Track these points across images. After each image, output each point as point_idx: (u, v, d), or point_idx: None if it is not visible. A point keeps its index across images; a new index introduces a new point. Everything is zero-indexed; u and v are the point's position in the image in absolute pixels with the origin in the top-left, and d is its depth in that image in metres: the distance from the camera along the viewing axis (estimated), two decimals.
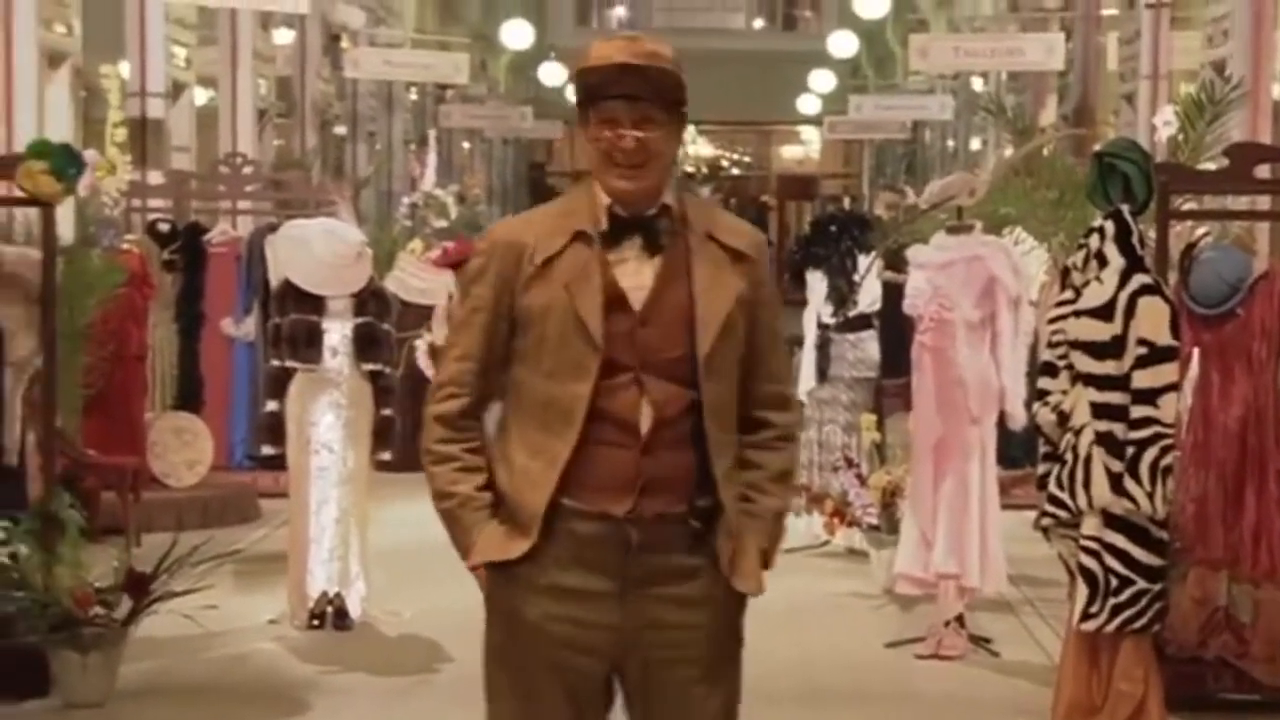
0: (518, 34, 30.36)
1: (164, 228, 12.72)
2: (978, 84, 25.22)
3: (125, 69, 15.05)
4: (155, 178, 14.32)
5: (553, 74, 33.50)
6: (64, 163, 7.14)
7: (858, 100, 28.74)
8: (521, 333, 3.70)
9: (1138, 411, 6.27)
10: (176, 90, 17.26)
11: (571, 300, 3.64)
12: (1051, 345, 6.56)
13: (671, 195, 3.73)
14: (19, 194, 7.24)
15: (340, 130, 24.79)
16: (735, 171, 45.14)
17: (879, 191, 22.57)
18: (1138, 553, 6.34)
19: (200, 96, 18.67)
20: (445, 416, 3.75)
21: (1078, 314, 6.43)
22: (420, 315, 11.95)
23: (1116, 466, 6.28)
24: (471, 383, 3.75)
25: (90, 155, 7.66)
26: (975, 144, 26.64)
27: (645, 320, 3.66)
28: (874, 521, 9.21)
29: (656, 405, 3.65)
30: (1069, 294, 6.54)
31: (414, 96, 28.27)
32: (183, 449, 11.54)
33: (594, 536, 3.66)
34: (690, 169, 43.48)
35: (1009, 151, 12.57)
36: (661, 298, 3.68)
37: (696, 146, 44.11)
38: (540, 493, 3.64)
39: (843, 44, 32.40)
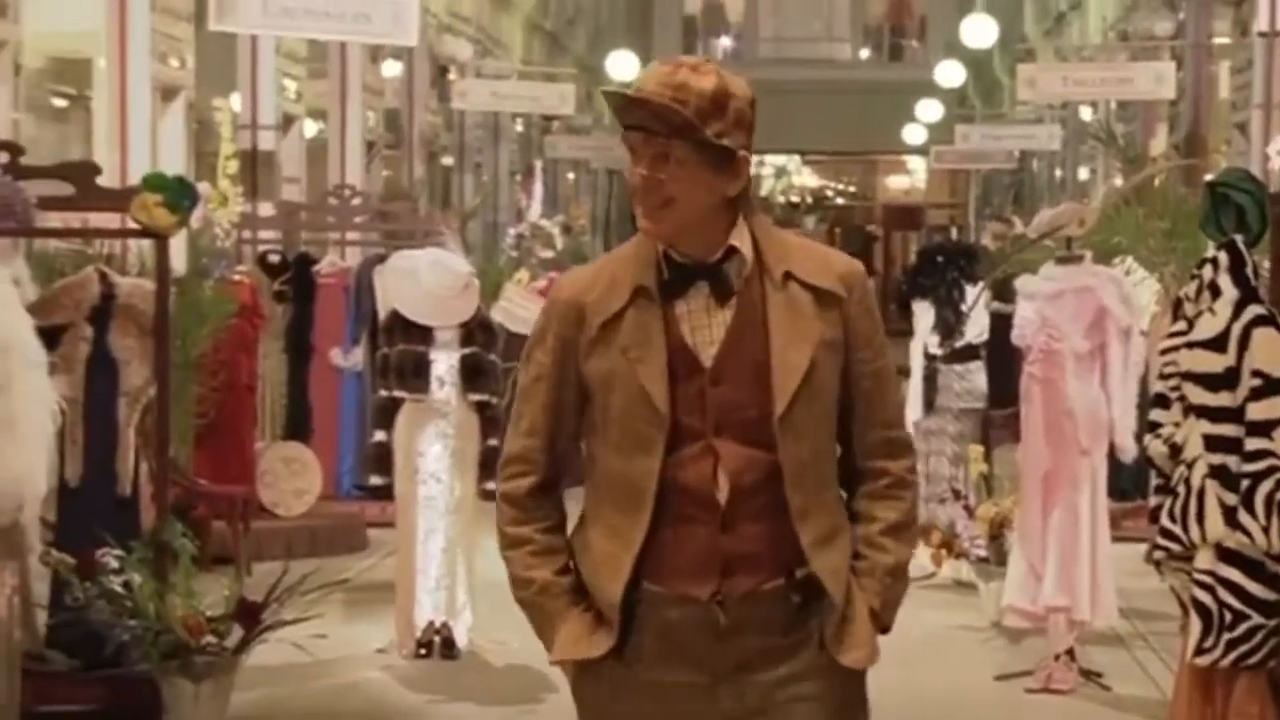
0: (623, 65, 30.44)
1: (274, 259, 12.84)
2: (1086, 113, 25.04)
3: (237, 102, 15.22)
4: (266, 209, 14.46)
5: None
6: (178, 195, 7.22)
7: (964, 130, 28.62)
8: (589, 403, 3.38)
9: (1252, 444, 6.19)
10: (287, 123, 17.45)
11: (633, 366, 3.31)
12: (1163, 377, 6.48)
13: (742, 235, 3.34)
14: (134, 226, 7.32)
15: (447, 161, 24.97)
16: (840, 201, 45.03)
17: (986, 221, 22.47)
18: (1253, 587, 6.25)
19: (310, 129, 18.86)
20: (514, 496, 3.44)
21: (1190, 345, 6.35)
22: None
23: (1231, 500, 6.20)
24: (539, 459, 3.43)
25: (203, 188, 7.76)
26: (1083, 173, 26.46)
27: (717, 379, 3.32)
28: (982, 553, 9.14)
29: (733, 474, 3.31)
30: (1181, 325, 6.46)
31: (520, 128, 28.42)
32: (291, 478, 11.62)
33: (679, 623, 3.33)
34: (795, 199, 43.45)
35: (1118, 181, 12.48)
36: (734, 352, 3.32)
37: (802, 176, 44.09)
38: (617, 580, 3.33)
39: (949, 74, 32.28)
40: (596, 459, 3.40)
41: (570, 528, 3.48)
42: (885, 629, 3.42)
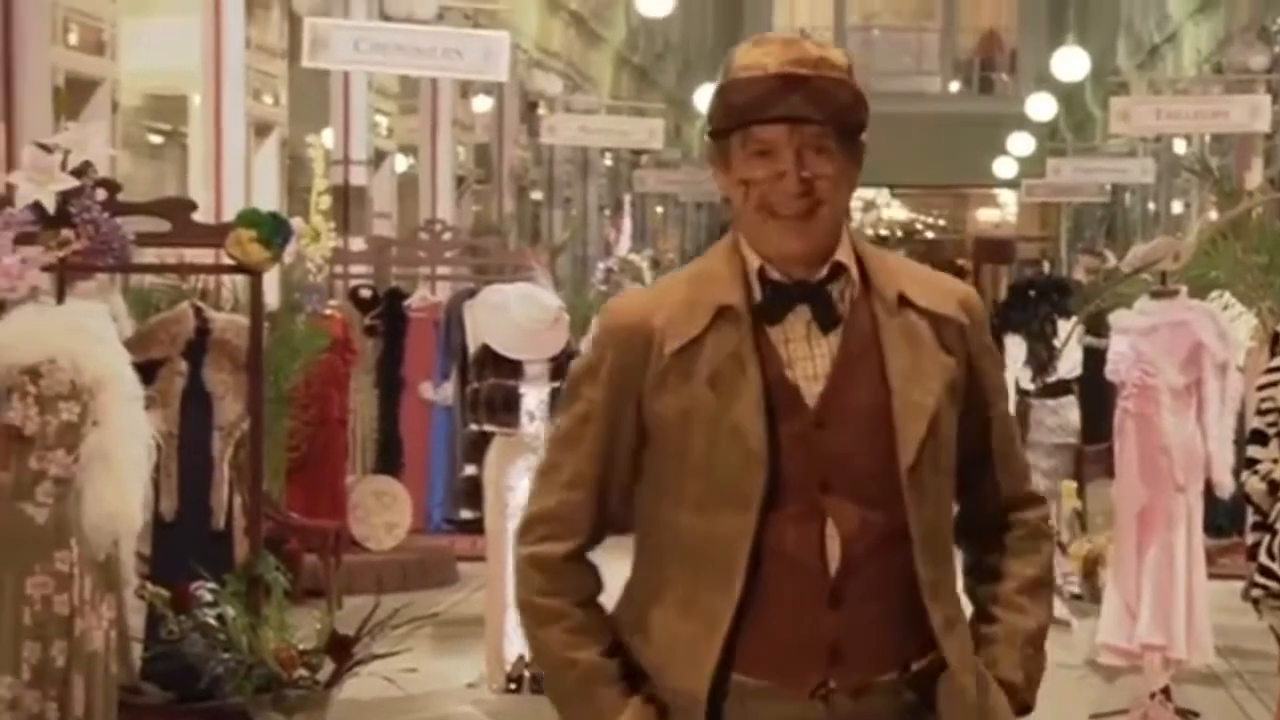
0: None
1: (365, 294, 12.92)
2: (1180, 146, 24.84)
3: (329, 137, 15.35)
4: (357, 244, 14.56)
5: None
6: (272, 231, 7.26)
7: (1056, 163, 28.45)
8: (654, 449, 2.77)
9: None
10: (378, 158, 17.58)
11: (721, 401, 2.71)
12: (1261, 413, 6.41)
13: (847, 250, 2.79)
14: (228, 262, 7.38)
15: (537, 196, 25.07)
16: (930, 235, 44.86)
17: (1078, 255, 22.30)
18: None
19: (401, 164, 18.98)
20: (547, 562, 2.80)
21: None
22: None
23: None
24: (581, 518, 2.81)
25: (296, 223, 7.80)
26: (1177, 207, 26.24)
27: (823, 421, 2.74)
28: (1076, 591, 9.05)
29: (847, 539, 2.71)
30: (1279, 361, 6.40)
31: (609, 162, 28.50)
32: (382, 512, 11.67)
33: None
34: (884, 232, 43.33)
35: (1213, 215, 12.35)
36: (844, 389, 2.75)
37: (891, 210, 43.97)
38: (700, 668, 2.71)
39: (1040, 107, 32.13)
40: (663, 518, 2.76)
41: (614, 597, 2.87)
42: (1027, 709, 2.86)
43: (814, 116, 2.71)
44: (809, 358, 2.77)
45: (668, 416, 2.74)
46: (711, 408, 2.72)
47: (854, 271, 2.79)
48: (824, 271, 2.77)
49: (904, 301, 2.78)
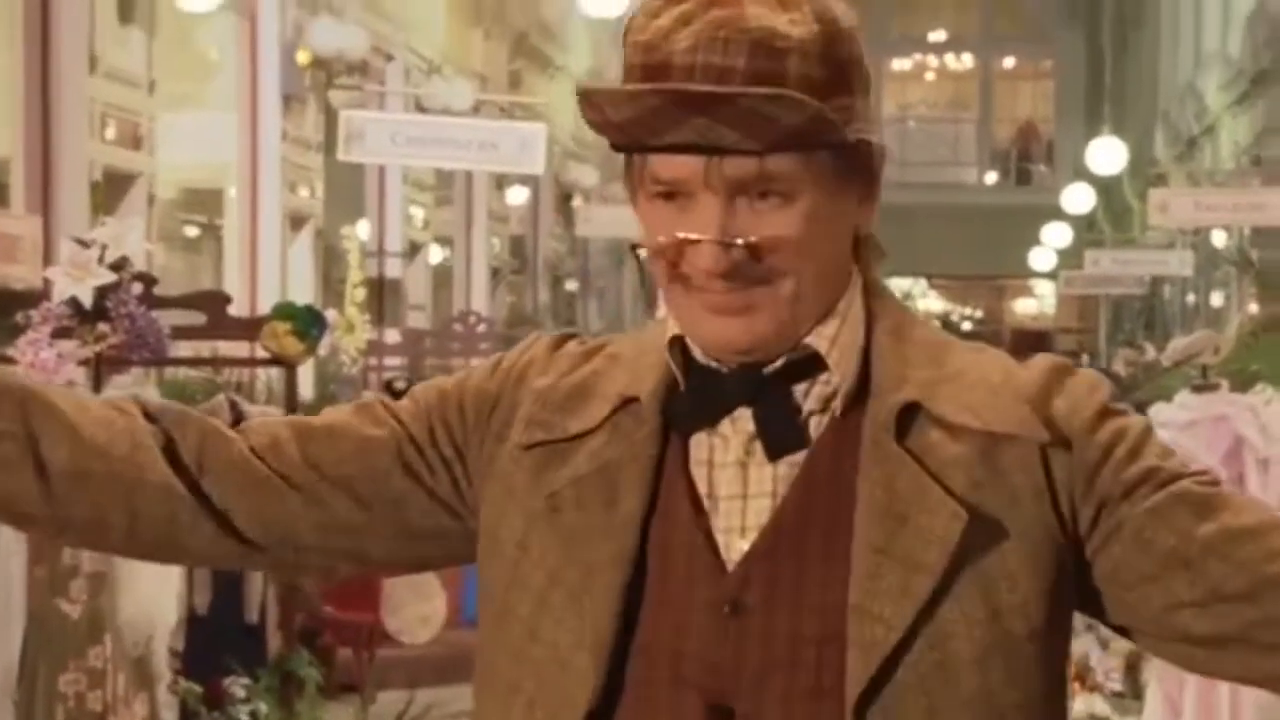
0: None
1: (400, 385, 12.88)
2: (1219, 239, 24.79)
3: (364, 229, 15.39)
4: (392, 336, 14.58)
5: None
6: (307, 323, 7.26)
7: (1094, 254, 28.42)
8: (481, 557, 1.77)
9: None
10: (413, 249, 17.62)
11: (561, 541, 1.68)
12: None
13: (849, 326, 1.68)
14: (263, 354, 7.37)
15: (571, 287, 25.11)
16: (967, 326, 44.83)
17: (1117, 348, 22.22)
18: None
19: (436, 255, 19.04)
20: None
21: None
22: None
23: None
24: (283, 450, 1.77)
25: (330, 315, 7.80)
26: (1217, 299, 26.14)
27: (741, 603, 1.63)
28: (1117, 687, 8.94)
29: None
30: None
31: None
32: (417, 604, 11.60)
33: None
34: None
35: (1253, 307, 12.28)
36: (785, 556, 1.64)
37: (928, 300, 43.98)
38: None
39: (1078, 198, 32.13)
40: (483, 647, 1.77)
41: None
42: None
43: (743, 145, 1.58)
44: (740, 496, 1.66)
45: (498, 529, 1.73)
46: (556, 543, 1.68)
47: (846, 363, 1.67)
48: (784, 357, 1.65)
49: (915, 415, 1.65)
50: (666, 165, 1.63)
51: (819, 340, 1.68)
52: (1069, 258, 32.33)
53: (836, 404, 1.68)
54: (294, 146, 14.10)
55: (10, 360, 6.38)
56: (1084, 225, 34.68)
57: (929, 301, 43.94)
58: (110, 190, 11.32)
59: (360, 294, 11.37)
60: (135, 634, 6.38)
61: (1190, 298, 28.50)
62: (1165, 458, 1.73)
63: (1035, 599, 1.64)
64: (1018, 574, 1.64)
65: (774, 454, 1.67)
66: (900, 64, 41.28)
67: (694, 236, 1.63)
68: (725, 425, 1.69)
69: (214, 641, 7.24)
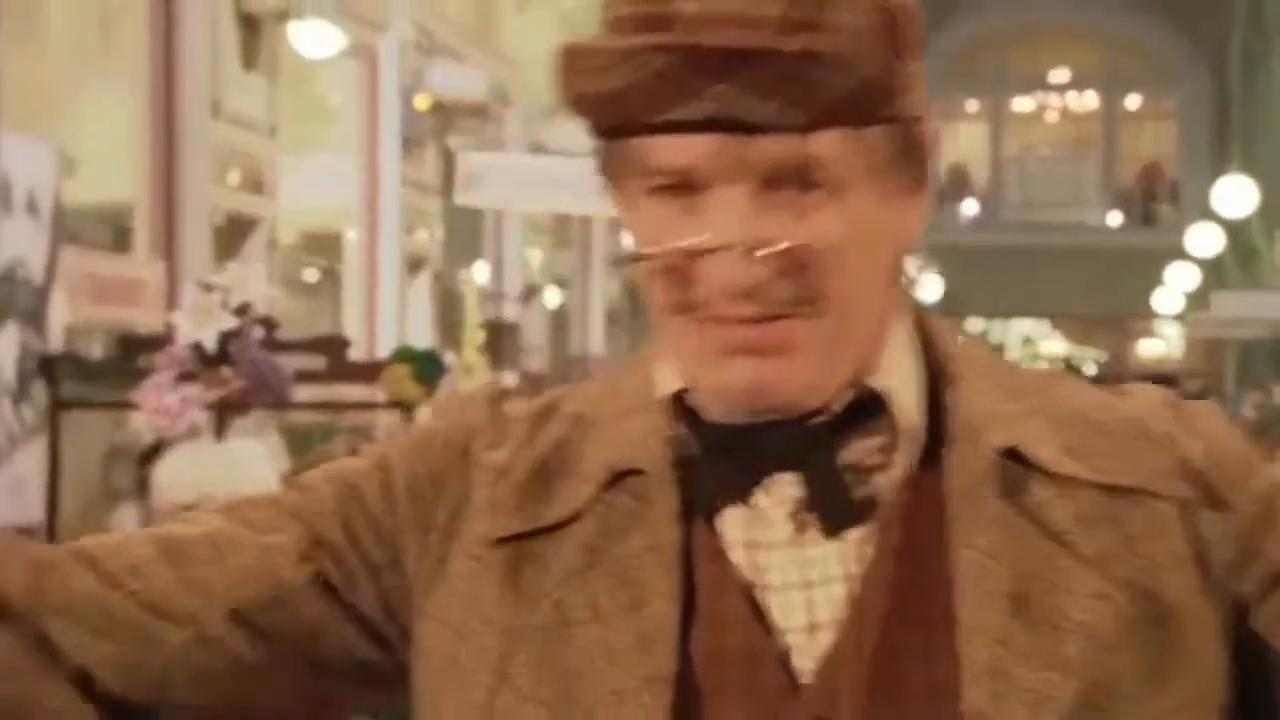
0: None
1: None
2: None
3: (482, 272, 15.43)
4: (509, 379, 14.58)
5: None
6: (426, 367, 7.27)
7: (1221, 296, 28.04)
8: (428, 695, 1.31)
9: None
10: (530, 292, 17.65)
11: (587, 658, 1.24)
12: None
13: (900, 354, 1.29)
14: (383, 398, 7.38)
15: None
16: (1091, 369, 44.38)
17: (1245, 392, 21.87)
18: None
19: (553, 298, 19.07)
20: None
21: None
22: None
23: None
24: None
25: (449, 359, 7.80)
26: None
27: (824, 709, 1.23)
28: None
29: None
30: None
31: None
32: None
33: None
34: (1044, 366, 42.88)
35: None
36: (881, 653, 1.24)
37: (1050, 342, 43.59)
38: None
39: (1203, 239, 31.74)
40: None
41: None
42: None
43: (782, 120, 1.19)
44: (799, 585, 1.26)
45: (440, 654, 1.30)
46: (541, 678, 1.25)
47: (915, 406, 1.28)
48: (837, 406, 1.26)
49: (1016, 461, 1.27)
50: (673, 149, 1.21)
51: (885, 377, 1.27)
52: (1196, 299, 31.93)
53: (910, 456, 1.27)
54: (413, 190, 14.17)
55: (133, 405, 6.40)
56: (1210, 266, 34.28)
57: (1052, 343, 43.53)
58: (232, 234, 11.41)
59: (478, 337, 11.37)
60: None
61: None
62: None
63: (1190, 702, 1.26)
64: (1215, 645, 1.27)
65: (837, 528, 1.26)
66: (1022, 104, 41.03)
67: (708, 244, 1.20)
68: (758, 495, 1.27)
69: None
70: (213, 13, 10.83)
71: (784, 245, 1.20)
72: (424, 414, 8.69)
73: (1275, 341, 30.80)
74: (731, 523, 1.27)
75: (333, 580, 1.32)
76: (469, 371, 10.88)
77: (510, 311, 15.90)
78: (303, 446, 8.48)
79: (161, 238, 10.39)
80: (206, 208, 10.72)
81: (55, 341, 7.36)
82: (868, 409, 1.27)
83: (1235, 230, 31.62)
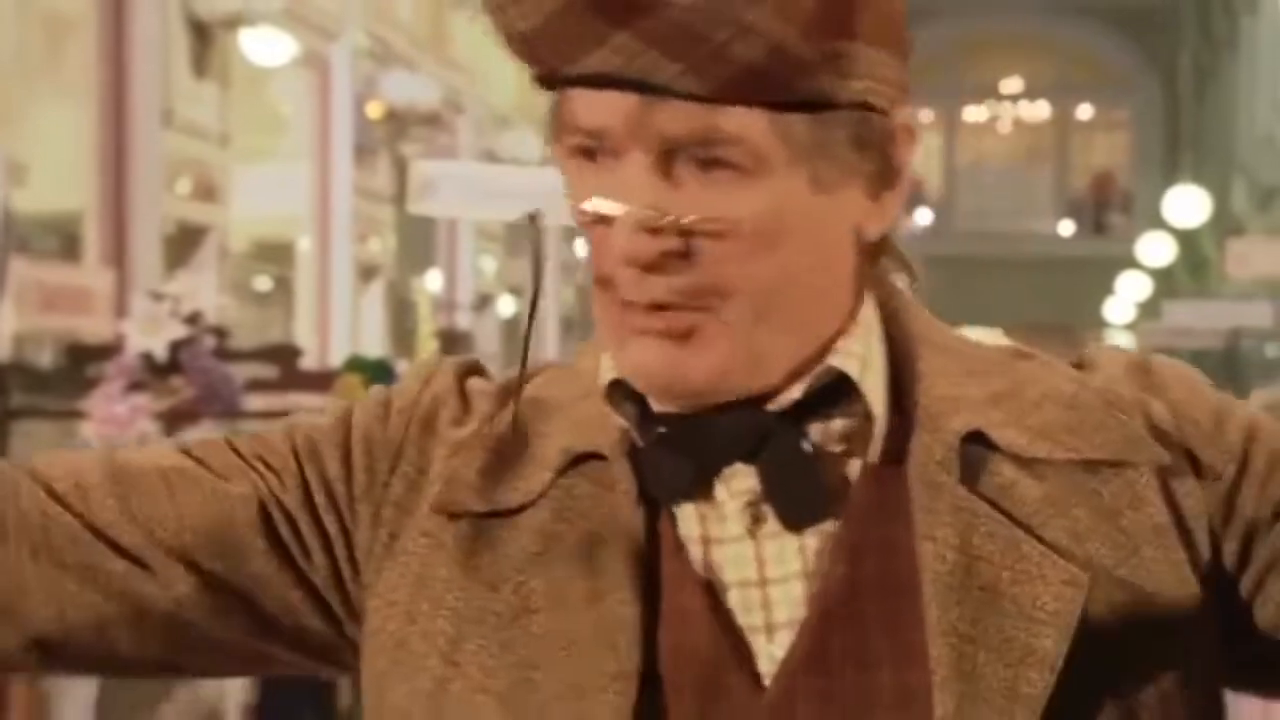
0: None
1: None
2: None
3: (434, 280, 15.40)
4: None
5: None
6: (379, 377, 7.24)
7: (1171, 306, 28.21)
8: (373, 676, 1.26)
9: None
10: (483, 301, 17.62)
11: (545, 649, 1.18)
12: None
13: (866, 338, 1.21)
14: None
15: None
16: None
17: None
18: None
19: (507, 306, 19.04)
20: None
21: None
22: None
23: None
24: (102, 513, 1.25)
25: (402, 368, 7.78)
26: None
27: (783, 711, 1.16)
28: None
29: None
30: None
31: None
32: None
33: None
34: None
35: None
36: (845, 653, 1.17)
37: None
38: None
39: (1155, 249, 31.92)
40: None
41: None
42: None
43: (680, 84, 1.12)
44: (755, 583, 1.20)
45: (388, 634, 1.24)
46: (493, 668, 1.19)
47: (880, 389, 1.22)
48: (798, 391, 1.19)
49: (975, 448, 1.20)
50: (587, 107, 1.15)
51: (847, 360, 1.20)
52: (1146, 309, 32.11)
53: (875, 444, 1.20)
54: (365, 198, 14.13)
55: (83, 414, 6.37)
56: (1161, 276, 34.48)
57: None
58: (183, 243, 11.36)
59: (431, 345, 11.34)
60: (207, 688, 6.34)
61: (1270, 350, 28.22)
62: None
63: (1177, 687, 1.19)
64: (1197, 627, 1.20)
65: (796, 522, 1.18)
66: (974, 113, 41.19)
67: (600, 209, 1.14)
68: (717, 486, 1.20)
69: (286, 694, 7.20)
70: (163, 20, 10.78)
71: (671, 219, 1.13)
72: None
73: (1226, 351, 31.00)
74: (686, 516, 1.20)
75: (284, 540, 1.26)
76: None
77: (463, 320, 15.87)
78: None
79: (111, 247, 10.34)
80: (157, 216, 10.67)
81: (4, 350, 7.32)
82: (829, 397, 1.20)
83: (1186, 240, 31.83)
